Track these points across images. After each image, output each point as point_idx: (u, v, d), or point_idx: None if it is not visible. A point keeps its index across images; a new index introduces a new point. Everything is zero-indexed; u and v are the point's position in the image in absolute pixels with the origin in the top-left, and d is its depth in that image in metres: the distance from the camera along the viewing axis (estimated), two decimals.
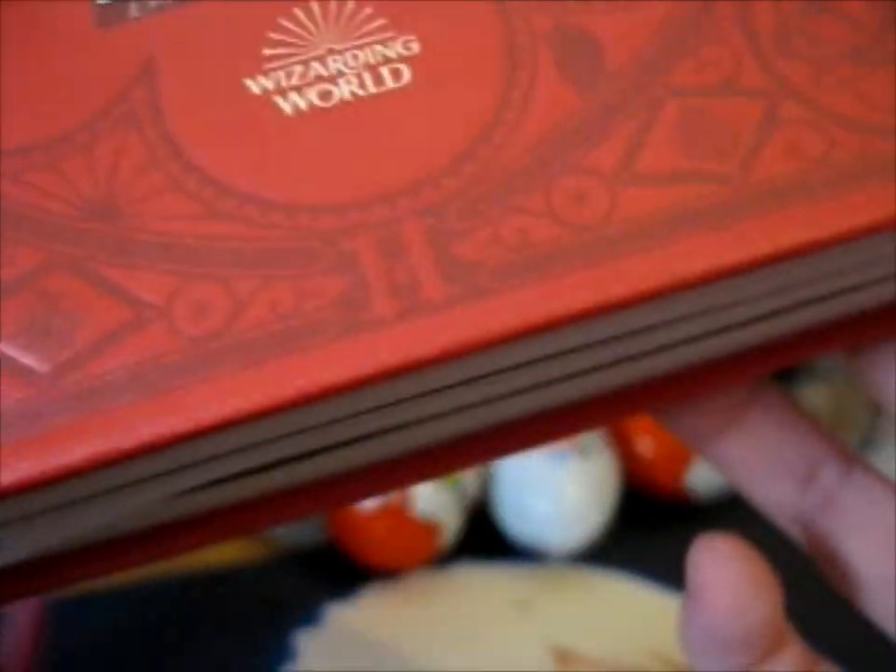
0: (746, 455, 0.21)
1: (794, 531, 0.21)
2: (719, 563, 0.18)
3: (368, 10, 0.18)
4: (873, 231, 0.16)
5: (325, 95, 0.18)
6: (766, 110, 0.17)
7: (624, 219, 0.16)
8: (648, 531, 0.39)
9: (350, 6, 0.18)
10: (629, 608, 0.39)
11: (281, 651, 0.36)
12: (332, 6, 0.18)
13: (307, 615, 0.37)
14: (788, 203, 0.17)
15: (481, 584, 0.38)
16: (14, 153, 0.18)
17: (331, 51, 0.18)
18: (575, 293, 0.16)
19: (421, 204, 0.17)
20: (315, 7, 0.18)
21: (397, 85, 0.17)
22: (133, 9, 0.19)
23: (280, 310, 0.16)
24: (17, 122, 0.18)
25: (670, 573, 0.39)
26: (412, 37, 0.18)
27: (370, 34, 0.18)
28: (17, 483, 0.15)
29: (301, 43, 0.18)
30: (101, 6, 0.19)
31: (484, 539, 0.38)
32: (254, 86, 0.18)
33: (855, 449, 0.39)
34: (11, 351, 0.16)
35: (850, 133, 0.17)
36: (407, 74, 0.18)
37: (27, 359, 0.16)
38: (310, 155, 0.17)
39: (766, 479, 0.21)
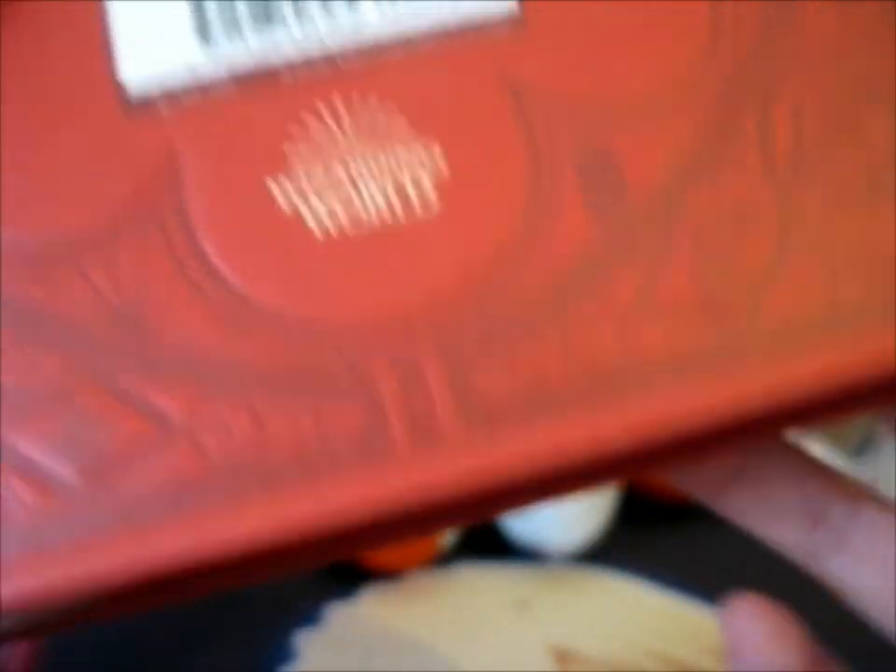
0: (752, 505, 0.22)
1: (807, 567, 0.22)
2: (744, 623, 0.21)
3: (392, 111, 0.18)
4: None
5: (347, 204, 0.17)
6: (778, 241, 0.17)
7: (635, 353, 0.17)
8: (648, 531, 0.39)
9: (374, 105, 0.18)
10: (629, 608, 0.39)
11: (281, 651, 0.36)
12: (354, 101, 0.18)
13: (307, 615, 0.37)
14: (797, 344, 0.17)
15: (481, 584, 0.39)
16: (36, 248, 0.17)
17: (354, 154, 0.18)
18: (577, 431, 0.16)
19: (439, 331, 0.17)
20: (339, 103, 0.18)
21: (418, 198, 0.17)
22: (159, 99, 0.18)
23: (301, 435, 0.16)
24: (38, 215, 0.18)
25: (670, 573, 0.40)
26: (435, 145, 0.18)
27: (393, 137, 0.18)
28: (45, 591, 0.16)
29: (324, 143, 0.18)
30: (125, 92, 0.18)
31: (484, 539, 0.38)
32: (279, 192, 0.17)
33: (855, 449, 0.39)
34: (38, 458, 0.16)
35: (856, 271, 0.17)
36: (429, 186, 0.17)
37: (54, 469, 0.16)
38: (333, 272, 0.17)
39: (775, 524, 0.22)
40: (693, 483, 0.22)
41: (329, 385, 0.17)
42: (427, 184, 0.17)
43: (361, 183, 0.17)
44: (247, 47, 0.18)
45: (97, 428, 0.17)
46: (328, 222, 0.17)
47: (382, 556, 0.37)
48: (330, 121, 0.18)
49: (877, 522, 0.21)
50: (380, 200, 0.17)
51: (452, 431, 0.16)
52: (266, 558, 0.17)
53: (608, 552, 0.38)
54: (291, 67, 0.18)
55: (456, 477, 0.16)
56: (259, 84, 0.18)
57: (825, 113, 0.18)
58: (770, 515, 0.22)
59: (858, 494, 0.21)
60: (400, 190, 0.17)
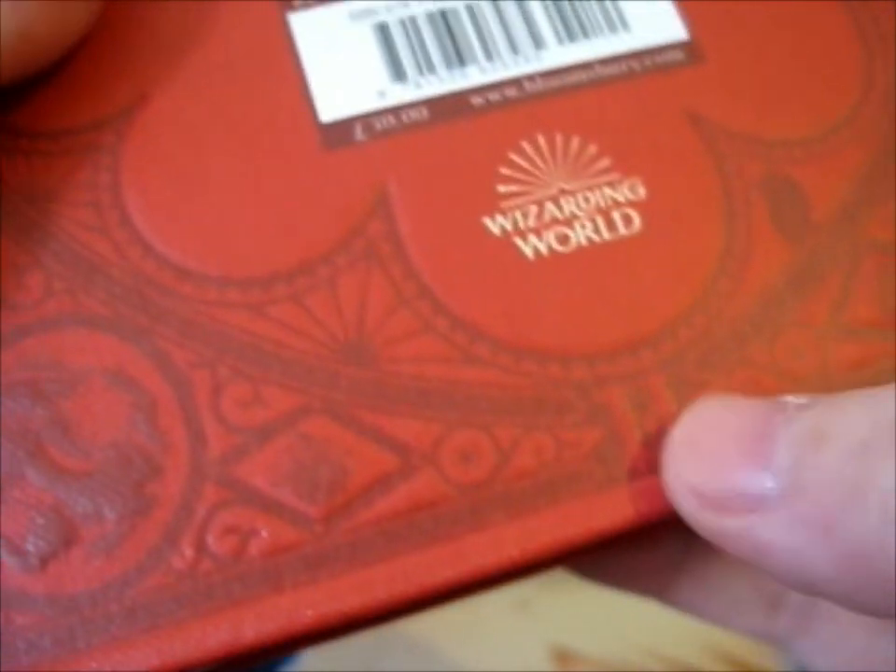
0: (701, 597, 0.21)
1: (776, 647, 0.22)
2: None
3: (592, 149, 0.19)
4: None
5: (563, 240, 0.18)
6: None
7: (836, 370, 0.18)
8: None
9: (575, 143, 0.19)
10: (629, 608, 0.40)
11: None
12: (558, 141, 0.19)
13: None
14: None
15: None
16: (254, 284, 0.17)
17: (563, 192, 0.18)
18: None
19: (662, 355, 0.18)
20: (542, 141, 0.19)
21: (628, 232, 0.18)
22: (359, 132, 0.18)
23: (544, 458, 0.17)
24: (252, 250, 0.18)
25: None
26: (637, 180, 0.18)
27: (598, 174, 0.18)
28: (316, 623, 0.16)
29: (533, 181, 0.18)
30: (325, 126, 0.18)
31: None
32: (492, 225, 0.18)
33: None
34: (281, 497, 0.16)
35: None
36: (637, 220, 0.18)
37: (300, 506, 0.16)
38: (554, 302, 0.18)
39: (729, 614, 0.21)
40: (633, 579, 0.22)
41: (566, 413, 0.17)
42: (635, 213, 0.18)
43: (571, 217, 0.18)
44: (441, 86, 0.19)
45: (341, 464, 0.16)
46: (546, 254, 0.18)
47: None
48: (538, 161, 0.18)
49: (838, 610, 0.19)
50: (590, 233, 0.18)
51: None
52: (507, 577, 0.17)
53: None
54: (486, 105, 0.19)
55: None
56: (457, 120, 0.19)
57: None
58: (722, 606, 0.21)
59: None
60: (610, 219, 0.18)
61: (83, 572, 0.16)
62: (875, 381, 0.18)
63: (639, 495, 0.17)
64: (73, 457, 0.16)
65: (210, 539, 0.16)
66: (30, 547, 0.16)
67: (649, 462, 0.17)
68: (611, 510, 0.17)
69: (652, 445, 0.17)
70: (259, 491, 0.16)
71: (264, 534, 0.16)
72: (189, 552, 0.16)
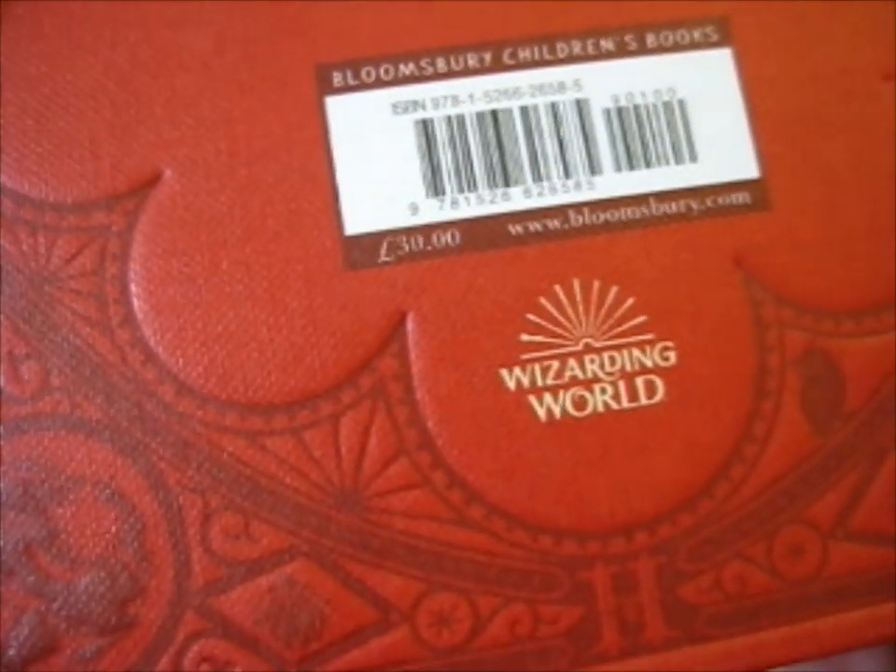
0: None
1: None
2: None
3: (629, 302, 0.17)
4: None
5: (579, 404, 0.17)
6: None
7: (832, 577, 0.17)
8: None
9: (612, 294, 0.17)
10: None
11: None
12: (595, 289, 0.17)
13: None
14: None
15: None
16: (254, 411, 0.17)
17: (589, 349, 0.17)
18: (775, 650, 0.17)
19: (656, 541, 0.17)
20: (577, 287, 0.17)
21: (649, 402, 0.17)
22: (383, 251, 0.17)
23: (517, 632, 0.17)
24: (257, 374, 0.17)
25: None
26: (670, 344, 0.17)
27: (630, 333, 0.17)
28: None
29: (560, 332, 0.17)
30: (349, 240, 0.17)
31: None
32: (509, 378, 0.17)
33: None
34: (259, 635, 0.16)
35: None
36: (661, 389, 0.17)
37: (276, 646, 0.16)
38: (558, 470, 0.17)
39: None
40: None
41: (549, 589, 0.17)
42: (660, 382, 0.17)
43: (593, 379, 0.17)
44: (480, 208, 0.17)
45: (320, 611, 0.17)
46: (558, 417, 0.17)
47: None
48: (569, 310, 0.17)
49: None
50: (608, 399, 0.17)
51: (658, 640, 0.17)
52: None
53: None
54: (525, 235, 0.17)
55: None
56: (490, 249, 0.17)
57: None
58: None
59: None
60: (633, 387, 0.17)
61: None
62: (871, 588, 0.17)
63: None
64: (59, 566, 0.17)
65: (186, 665, 0.17)
66: (12, 648, 0.17)
67: (621, 648, 0.17)
68: None
69: (627, 632, 0.17)
70: (238, 626, 0.17)
71: (238, 669, 0.17)
72: None
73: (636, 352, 0.17)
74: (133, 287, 0.17)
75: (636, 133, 0.18)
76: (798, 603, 0.17)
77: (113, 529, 0.17)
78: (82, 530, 0.17)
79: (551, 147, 0.18)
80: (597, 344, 0.17)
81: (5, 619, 0.16)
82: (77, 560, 0.17)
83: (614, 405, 0.17)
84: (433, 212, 0.17)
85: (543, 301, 0.17)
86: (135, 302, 0.17)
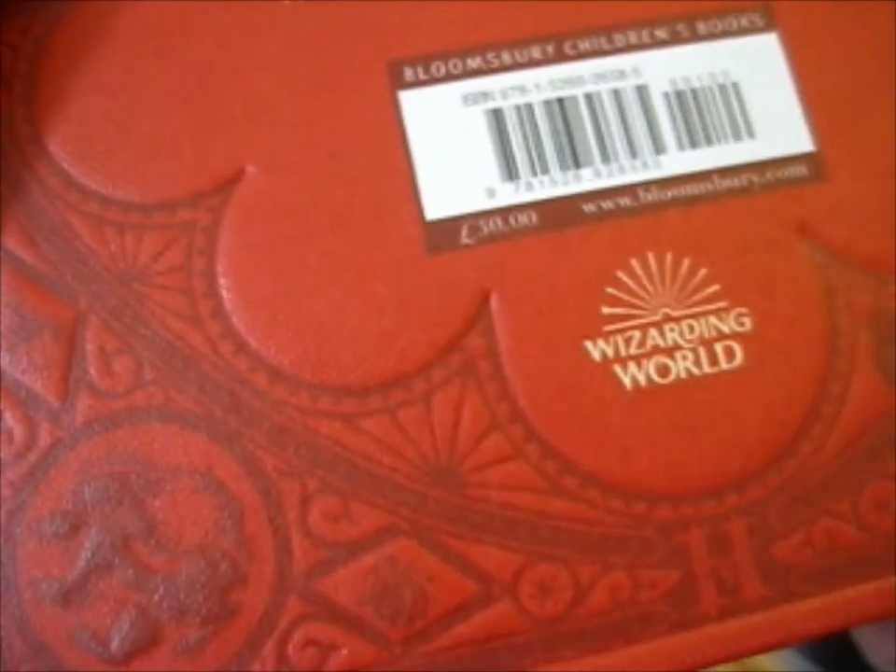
0: None
1: None
2: None
3: (703, 273, 0.18)
4: None
5: (663, 371, 0.18)
6: None
7: None
8: None
9: (686, 265, 0.18)
10: None
11: None
12: (668, 261, 0.18)
13: None
14: None
15: None
16: (348, 393, 0.17)
17: (668, 318, 0.18)
18: (869, 604, 0.17)
19: (745, 501, 0.17)
20: (652, 260, 0.18)
21: (728, 366, 0.18)
22: (464, 234, 0.18)
23: (618, 598, 0.17)
24: (349, 357, 0.17)
25: None
26: (744, 310, 0.18)
27: (705, 301, 0.18)
28: None
29: (639, 304, 0.18)
30: (430, 224, 0.18)
31: None
32: (593, 350, 0.18)
33: None
34: (364, 616, 0.16)
35: None
36: (739, 354, 0.18)
37: (381, 627, 0.16)
38: (647, 436, 0.17)
39: None
40: None
41: (646, 553, 0.17)
42: (738, 347, 0.18)
43: (674, 347, 0.18)
44: (554, 190, 0.18)
45: (423, 589, 0.17)
46: (644, 385, 0.18)
47: None
48: (645, 282, 0.18)
49: None
50: (690, 365, 0.18)
51: (755, 599, 0.17)
52: None
53: None
54: (599, 213, 0.18)
55: (757, 644, 0.17)
56: (567, 228, 0.18)
57: None
58: None
59: None
60: (713, 352, 0.18)
61: None
62: None
63: (709, 641, 0.17)
64: (159, 557, 0.17)
65: (291, 651, 0.17)
66: (114, 641, 0.16)
67: (720, 609, 0.17)
68: (681, 654, 0.17)
69: (725, 592, 0.17)
70: (342, 608, 0.17)
71: (344, 651, 0.17)
72: (269, 661, 0.16)
73: (713, 319, 0.18)
74: (221, 280, 0.17)
75: (694, 113, 0.19)
76: (888, 556, 0.18)
77: (211, 518, 0.17)
78: (180, 521, 0.17)
79: (616, 130, 0.18)
80: (675, 314, 0.18)
81: (105, 614, 0.16)
82: (176, 551, 0.17)
83: (696, 371, 0.18)
84: (509, 195, 0.18)
85: (620, 274, 0.18)
86: (224, 294, 0.17)
